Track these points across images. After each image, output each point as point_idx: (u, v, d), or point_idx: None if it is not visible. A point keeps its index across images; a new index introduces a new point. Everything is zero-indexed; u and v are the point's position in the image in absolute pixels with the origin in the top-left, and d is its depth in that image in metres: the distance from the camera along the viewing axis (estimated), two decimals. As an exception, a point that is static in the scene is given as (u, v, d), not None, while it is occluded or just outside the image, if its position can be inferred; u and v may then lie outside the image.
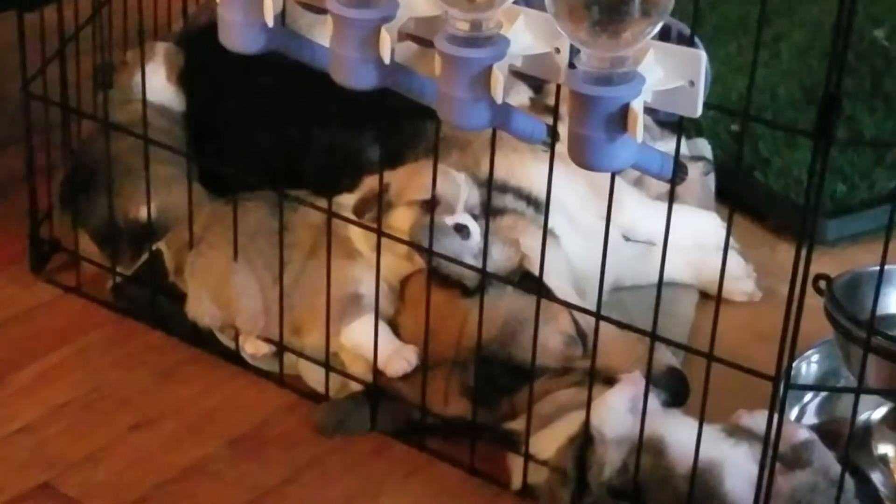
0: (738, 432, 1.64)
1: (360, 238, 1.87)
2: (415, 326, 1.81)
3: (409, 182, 1.85)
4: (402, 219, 1.83)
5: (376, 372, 1.83)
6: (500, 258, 1.79)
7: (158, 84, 2.20)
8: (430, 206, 1.76)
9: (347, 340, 1.85)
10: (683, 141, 2.33)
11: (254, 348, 1.96)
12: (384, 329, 1.83)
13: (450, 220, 1.82)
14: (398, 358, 1.80)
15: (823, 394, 1.87)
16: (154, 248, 2.05)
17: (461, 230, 1.81)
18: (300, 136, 2.12)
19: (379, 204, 1.78)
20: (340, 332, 1.85)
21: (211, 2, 1.61)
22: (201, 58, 2.14)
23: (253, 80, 2.08)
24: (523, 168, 2.01)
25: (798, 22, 2.79)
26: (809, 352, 1.88)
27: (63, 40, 2.04)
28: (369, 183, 1.86)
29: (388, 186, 1.82)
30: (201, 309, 1.96)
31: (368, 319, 1.82)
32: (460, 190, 1.85)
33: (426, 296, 1.76)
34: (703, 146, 2.39)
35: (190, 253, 1.97)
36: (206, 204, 2.04)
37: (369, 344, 1.81)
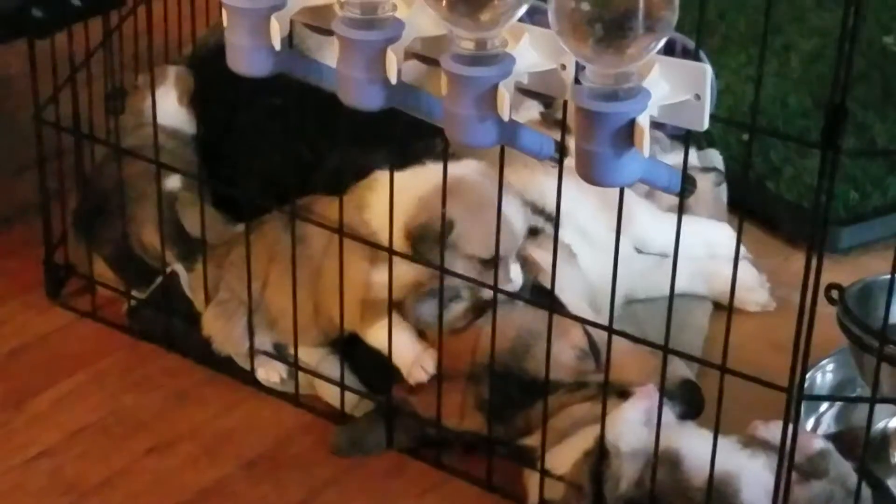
0: (753, 444, 1.63)
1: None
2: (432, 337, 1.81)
3: (475, 230, 1.76)
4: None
5: (391, 389, 1.84)
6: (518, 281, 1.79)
7: (170, 107, 2.20)
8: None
9: (374, 341, 1.84)
10: (694, 152, 2.33)
11: (266, 374, 1.97)
12: (407, 334, 1.82)
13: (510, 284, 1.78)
14: (416, 367, 1.79)
15: (839, 403, 1.87)
16: (168, 270, 2.05)
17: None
18: (311, 155, 2.12)
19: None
20: (366, 333, 1.85)
21: (220, 24, 1.61)
22: (212, 80, 2.15)
23: (263, 101, 2.08)
24: (535, 183, 2.01)
25: (808, 30, 2.79)
26: (824, 361, 1.88)
27: (74, 66, 2.04)
28: (428, 207, 1.77)
29: (451, 224, 1.75)
30: (228, 347, 1.97)
31: (394, 321, 1.80)
32: (517, 239, 1.81)
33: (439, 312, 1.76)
34: (715, 157, 2.39)
35: (212, 301, 1.97)
36: (220, 228, 2.04)
37: (393, 348, 1.80)
